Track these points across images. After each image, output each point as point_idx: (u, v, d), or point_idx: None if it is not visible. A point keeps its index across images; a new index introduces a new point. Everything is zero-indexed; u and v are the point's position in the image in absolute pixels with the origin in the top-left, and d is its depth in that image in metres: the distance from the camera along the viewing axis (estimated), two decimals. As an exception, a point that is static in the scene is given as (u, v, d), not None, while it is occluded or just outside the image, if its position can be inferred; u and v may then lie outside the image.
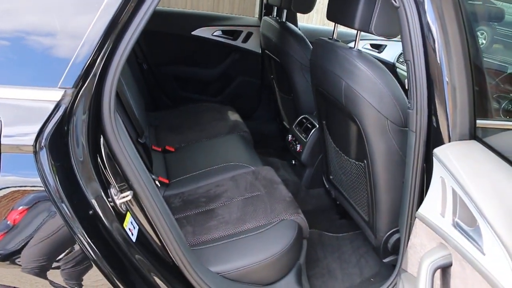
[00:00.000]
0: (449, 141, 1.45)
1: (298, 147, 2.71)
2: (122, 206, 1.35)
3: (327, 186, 2.60)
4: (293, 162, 2.88)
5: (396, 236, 2.01)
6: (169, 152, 2.71)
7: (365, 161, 1.94)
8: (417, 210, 1.65)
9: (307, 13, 2.70)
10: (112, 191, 1.31)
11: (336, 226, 2.63)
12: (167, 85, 3.51)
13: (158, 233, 1.46)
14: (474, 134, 1.43)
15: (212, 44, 3.40)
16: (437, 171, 1.39)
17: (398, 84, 1.81)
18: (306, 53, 2.67)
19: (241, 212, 2.04)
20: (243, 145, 2.69)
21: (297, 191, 2.76)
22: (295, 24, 3.21)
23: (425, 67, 1.51)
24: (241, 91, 3.57)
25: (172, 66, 3.46)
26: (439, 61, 1.43)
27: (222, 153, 2.61)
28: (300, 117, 2.82)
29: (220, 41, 3.39)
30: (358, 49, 1.87)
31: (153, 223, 1.44)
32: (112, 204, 1.30)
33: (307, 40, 2.72)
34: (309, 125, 2.71)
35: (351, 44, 1.96)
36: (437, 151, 1.41)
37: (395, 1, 1.51)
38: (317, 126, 2.64)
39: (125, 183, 1.37)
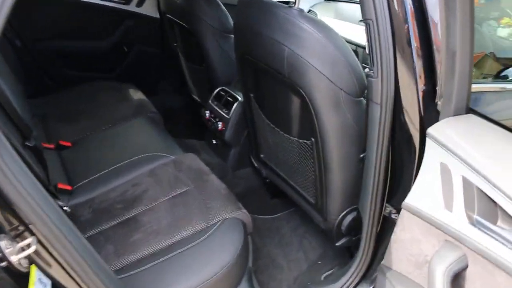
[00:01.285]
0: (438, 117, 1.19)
1: (220, 125, 2.35)
2: (22, 262, 0.92)
3: (256, 165, 2.30)
4: (214, 142, 2.52)
5: (350, 217, 1.79)
6: (65, 148, 2.23)
7: (313, 139, 1.66)
8: (382, 192, 1.47)
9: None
10: (2, 243, 0.88)
11: (269, 207, 2.39)
12: (50, 63, 2.93)
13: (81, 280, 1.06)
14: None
15: (100, 11, 2.87)
16: (435, 155, 1.13)
17: (350, 47, 1.52)
18: (221, 16, 2.30)
19: (171, 217, 1.69)
20: (155, 130, 2.29)
21: (224, 174, 2.43)
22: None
23: (391, 26, 1.25)
24: (140, 63, 3.10)
25: (53, 41, 2.88)
26: (433, 20, 1.15)
27: (132, 142, 2.19)
28: (217, 90, 2.46)
29: (109, 6, 2.86)
30: (300, 8, 1.55)
31: (71, 269, 1.03)
32: (5, 264, 0.87)
33: (219, 2, 2.34)
34: (229, 98, 2.36)
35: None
36: (433, 131, 1.14)
37: None
38: (239, 99, 2.30)
39: (20, 225, 0.94)
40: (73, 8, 2.82)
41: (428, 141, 1.14)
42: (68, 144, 2.25)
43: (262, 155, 2.20)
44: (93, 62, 3.05)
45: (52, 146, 2.22)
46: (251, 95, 2.00)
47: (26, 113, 2.11)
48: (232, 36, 2.36)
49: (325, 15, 2.96)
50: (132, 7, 2.90)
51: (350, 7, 3.10)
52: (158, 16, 2.94)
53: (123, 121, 2.38)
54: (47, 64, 2.93)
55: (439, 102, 1.25)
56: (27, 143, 1.69)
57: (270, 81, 1.78)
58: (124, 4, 2.89)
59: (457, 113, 1.17)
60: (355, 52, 2.56)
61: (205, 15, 2.29)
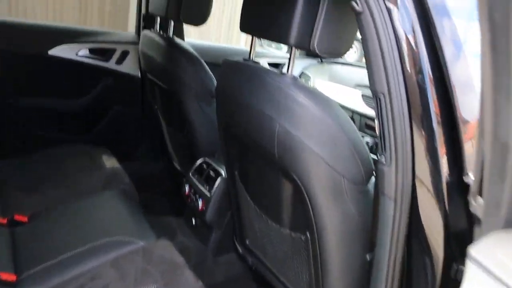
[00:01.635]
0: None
1: (200, 204, 2.05)
2: None
3: (240, 251, 1.98)
4: (193, 222, 2.20)
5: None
6: (20, 224, 1.90)
7: (308, 234, 1.37)
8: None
9: (200, 25, 2.08)
10: None
11: (254, 299, 2.04)
12: (15, 121, 2.65)
13: None
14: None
15: (77, 67, 2.61)
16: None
17: (354, 125, 1.26)
18: (204, 77, 2.05)
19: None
20: (126, 206, 1.98)
21: (202, 260, 2.10)
22: (183, 39, 2.57)
23: (407, 102, 1.02)
24: (117, 126, 2.82)
25: (22, 97, 2.61)
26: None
27: (98, 221, 1.88)
28: (199, 162, 2.17)
29: (87, 62, 2.62)
30: (294, 76, 1.28)
31: None
32: None
33: (202, 61, 2.09)
34: (211, 173, 2.06)
35: (283, 69, 1.38)
36: (477, 253, 0.82)
37: (357, 3, 0.98)
38: (223, 174, 2.00)
39: None
40: (46, 63, 2.56)
41: (469, 266, 0.82)
42: (24, 219, 1.93)
43: (247, 241, 1.89)
44: (65, 122, 2.77)
45: (4, 221, 1.90)
46: (235, 172, 1.71)
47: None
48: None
49: (319, 78, 2.73)
50: (111, 64, 2.65)
51: (345, 70, 2.89)
52: (139, 75, 2.68)
53: (91, 193, 2.07)
54: (13, 123, 2.64)
55: (473, 203, 0.97)
56: None
57: (258, 159, 1.50)
58: (103, 61, 2.64)
59: (509, 225, 0.87)
60: (352, 119, 2.31)
61: (186, 75, 2.04)
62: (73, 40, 2.59)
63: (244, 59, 1.45)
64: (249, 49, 1.48)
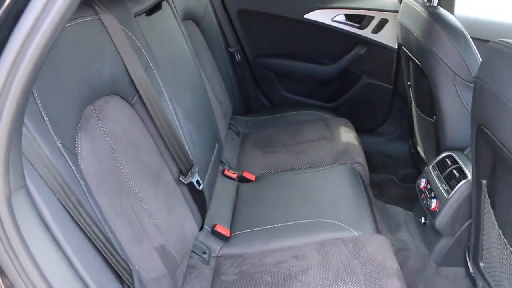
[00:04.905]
0: None
1: (434, 204, 1.76)
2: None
3: (471, 270, 1.66)
4: (422, 221, 1.92)
5: None
6: (248, 181, 1.94)
7: None
8: None
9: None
10: None
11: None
12: (267, 83, 2.72)
13: None
14: None
15: (331, 33, 2.51)
16: None
17: None
18: (468, 58, 1.71)
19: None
20: (352, 186, 1.83)
21: (423, 267, 1.83)
22: (451, 11, 2.21)
23: None
24: (365, 98, 2.65)
25: (275, 59, 2.65)
26: None
27: (317, 197, 1.78)
28: (443, 155, 1.86)
29: (342, 29, 2.49)
30: None
31: None
32: None
33: (469, 38, 1.74)
34: (455, 172, 1.74)
35: None
36: None
37: None
38: (469, 177, 1.67)
39: None
40: (301, 27, 2.53)
41: None
42: (252, 177, 1.97)
43: (482, 264, 1.55)
44: (312, 88, 2.73)
45: (234, 175, 1.96)
46: (484, 181, 1.38)
47: (216, 132, 1.95)
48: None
49: None
50: (367, 33, 2.46)
51: None
52: (395, 46, 2.44)
53: (318, 165, 1.99)
54: (265, 83, 2.72)
55: None
56: (181, 179, 1.43)
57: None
58: (358, 28, 2.47)
59: None
60: None
61: (444, 54, 1.73)
62: (329, 4, 2.48)
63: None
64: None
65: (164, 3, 1.73)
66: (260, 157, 2.12)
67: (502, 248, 1.32)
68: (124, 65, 1.25)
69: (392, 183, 2.56)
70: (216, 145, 1.88)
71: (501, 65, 1.10)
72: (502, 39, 1.18)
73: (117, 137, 1.19)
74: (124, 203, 1.16)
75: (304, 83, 2.74)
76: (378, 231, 1.62)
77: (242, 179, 1.97)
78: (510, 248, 1.26)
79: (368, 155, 2.18)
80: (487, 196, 1.39)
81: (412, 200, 2.20)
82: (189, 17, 2.09)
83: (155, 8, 1.65)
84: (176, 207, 1.40)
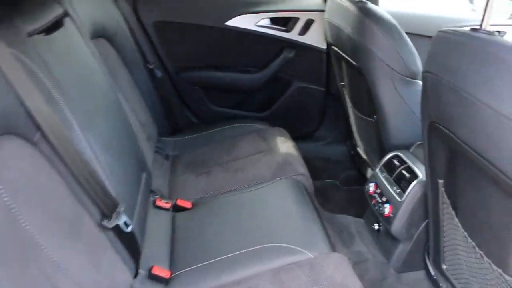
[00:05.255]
0: None
1: (387, 209, 1.65)
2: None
3: (432, 273, 1.55)
4: (376, 227, 1.81)
5: None
6: (183, 210, 1.74)
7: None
8: None
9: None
10: None
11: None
12: (193, 98, 2.53)
13: None
14: None
15: (256, 39, 2.37)
16: None
17: None
18: (403, 53, 1.62)
19: None
20: (298, 201, 1.69)
21: (383, 276, 1.71)
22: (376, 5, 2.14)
23: None
24: (298, 104, 2.53)
25: (199, 72, 2.47)
26: None
27: (263, 218, 1.62)
28: (389, 155, 1.76)
29: (267, 33, 2.36)
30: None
31: None
32: None
33: (402, 32, 1.66)
34: (405, 173, 1.64)
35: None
36: None
37: None
38: (420, 176, 1.57)
39: None
40: (223, 35, 2.37)
41: None
42: (188, 205, 1.77)
43: (444, 266, 1.45)
44: (243, 99, 2.58)
45: (168, 205, 1.75)
46: (439, 180, 1.28)
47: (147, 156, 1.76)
48: (419, 82, 1.67)
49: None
50: (293, 35, 2.34)
51: None
52: (325, 47, 2.33)
53: (261, 181, 1.83)
54: (190, 98, 2.53)
55: None
56: (104, 224, 1.20)
57: (480, 178, 1.05)
58: (284, 31, 2.35)
59: None
60: None
61: (379, 49, 1.63)
62: (252, 8, 2.34)
63: (473, 29, 0.99)
64: (481, 17, 1.01)
65: (66, 20, 1.50)
66: (194, 180, 1.92)
67: (470, 251, 1.21)
68: (18, 96, 1.01)
69: (335, 188, 2.48)
70: (144, 174, 1.67)
71: (457, 56, 0.99)
72: (449, 28, 1.08)
73: (15, 188, 0.94)
74: (32, 272, 0.92)
75: (233, 94, 2.58)
76: (333, 248, 1.48)
77: (177, 208, 1.76)
78: (480, 252, 1.15)
79: (307, 161, 2.07)
80: (445, 197, 1.29)
81: (359, 204, 2.11)
82: (100, 34, 1.86)
83: (56, 25, 1.41)
84: (102, 258, 1.18)
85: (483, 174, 1.01)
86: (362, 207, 2.05)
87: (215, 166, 1.99)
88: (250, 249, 1.45)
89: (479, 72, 0.90)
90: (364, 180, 2.30)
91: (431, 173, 1.33)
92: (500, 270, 1.09)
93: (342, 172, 2.56)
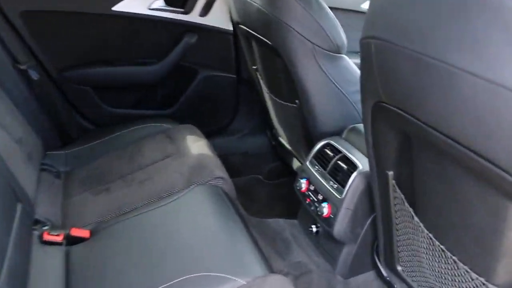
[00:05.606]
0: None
1: (325, 209, 1.39)
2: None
3: (384, 274, 1.34)
4: (314, 229, 1.56)
5: None
6: (80, 241, 1.39)
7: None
8: None
9: None
10: None
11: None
12: (84, 100, 2.14)
13: None
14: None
15: (150, 24, 2.03)
16: None
17: None
18: (326, 25, 1.38)
19: None
20: (219, 215, 1.39)
21: (329, 286, 1.46)
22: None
23: None
24: (207, 95, 2.23)
25: (87, 69, 2.07)
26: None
27: (179, 243, 1.30)
28: (320, 144, 1.52)
29: (163, 17, 2.02)
30: None
31: None
32: None
33: (322, 3, 1.41)
34: (341, 164, 1.40)
35: None
36: None
37: None
38: (360, 166, 1.34)
39: None
40: (111, 24, 2.00)
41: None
42: (85, 234, 1.41)
43: (400, 268, 1.23)
44: (143, 95, 2.23)
45: (60, 237, 1.39)
46: (390, 173, 1.04)
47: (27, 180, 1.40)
48: (344, 57, 1.44)
49: None
50: (194, 17, 2.03)
51: None
52: (230, 28, 2.04)
53: (171, 194, 1.51)
54: (81, 101, 2.14)
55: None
56: None
57: (447, 168, 0.81)
58: (182, 13, 2.02)
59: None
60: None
61: (298, 23, 1.37)
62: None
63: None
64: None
65: None
66: (91, 201, 1.57)
67: (437, 256, 0.99)
68: None
69: (259, 184, 2.23)
70: (19, 205, 1.29)
71: (416, 9, 0.73)
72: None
73: None
74: None
75: (131, 91, 2.21)
76: (269, 268, 1.20)
77: (71, 240, 1.39)
78: (453, 257, 0.93)
79: (224, 159, 1.79)
80: (398, 191, 1.05)
81: (288, 200, 1.86)
82: None
83: None
84: None
85: (459, 167, 0.77)
86: (293, 203, 1.80)
87: (117, 180, 1.65)
88: (167, 284, 1.14)
89: (454, 29, 0.64)
90: (290, 172, 2.06)
91: (377, 164, 1.09)
92: (482, 279, 0.87)
93: (264, 165, 2.31)
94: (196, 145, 1.77)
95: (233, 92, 2.24)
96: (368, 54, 0.86)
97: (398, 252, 1.21)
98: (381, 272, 1.37)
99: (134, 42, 2.07)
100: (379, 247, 1.32)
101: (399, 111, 0.84)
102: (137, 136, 1.90)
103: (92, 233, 1.41)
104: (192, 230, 1.33)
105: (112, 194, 1.58)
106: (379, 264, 1.37)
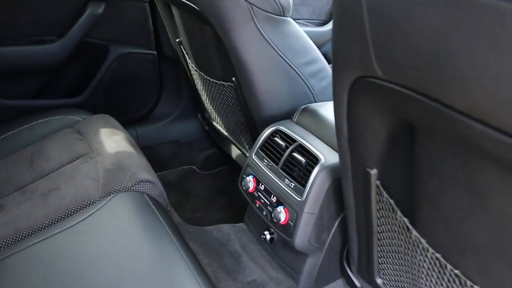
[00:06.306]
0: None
1: (282, 215, 1.11)
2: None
3: (358, 284, 1.10)
4: (268, 237, 1.28)
5: None
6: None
7: None
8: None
9: None
10: None
11: None
12: None
13: None
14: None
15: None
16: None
17: None
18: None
19: None
20: (146, 232, 1.09)
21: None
22: None
23: None
24: (122, 76, 1.87)
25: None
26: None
27: (98, 278, 0.98)
28: (267, 132, 1.23)
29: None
30: None
31: None
32: None
33: None
34: (297, 156, 1.12)
35: None
36: None
37: None
38: (321, 159, 1.06)
39: None
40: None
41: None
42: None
43: (379, 281, 0.99)
44: (44, 81, 1.84)
45: None
46: (371, 172, 0.77)
47: None
48: (289, 20, 1.16)
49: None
50: (99, -19, 1.66)
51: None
52: (145, -6, 1.70)
53: (83, 206, 1.19)
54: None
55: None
56: None
57: (465, 165, 0.54)
58: (83, -24, 1.65)
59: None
60: None
61: None
62: None
63: None
64: None
65: None
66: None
67: (447, 280, 0.74)
68: None
69: (193, 176, 1.95)
70: None
71: None
72: None
73: None
74: None
75: (29, 77, 1.81)
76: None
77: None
78: (474, 286, 0.68)
79: (150, 152, 1.47)
80: (385, 195, 0.79)
81: (229, 195, 1.58)
82: None
83: None
84: None
85: (495, 170, 0.51)
86: (235, 197, 1.52)
87: (13, 193, 1.30)
88: None
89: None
90: (228, 160, 1.78)
91: (353, 159, 0.82)
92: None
93: (198, 154, 2.01)
94: (113, 140, 1.44)
95: (154, 71, 1.90)
96: (355, 4, 0.57)
97: (380, 264, 0.96)
98: (352, 281, 1.13)
99: (27, 16, 1.67)
100: (351, 254, 1.07)
101: (402, 89, 0.56)
102: (39, 134, 1.54)
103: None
104: (113, 257, 1.01)
105: (9, 212, 1.22)
106: (350, 273, 1.12)
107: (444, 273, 0.72)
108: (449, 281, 0.72)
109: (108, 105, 1.81)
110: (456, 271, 0.69)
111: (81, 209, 1.19)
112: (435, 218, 0.69)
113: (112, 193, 1.21)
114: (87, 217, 1.15)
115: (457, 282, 0.70)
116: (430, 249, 0.72)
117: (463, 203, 0.61)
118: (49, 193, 1.25)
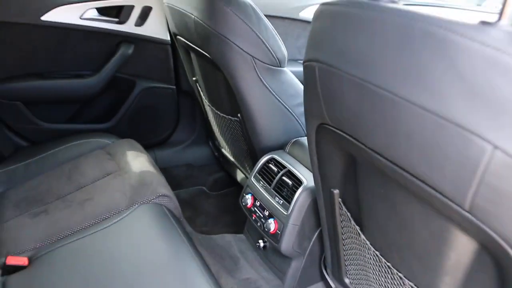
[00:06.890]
0: None
1: (272, 225, 1.39)
2: None
3: (332, 285, 1.35)
4: (261, 244, 1.56)
5: None
6: (16, 270, 1.30)
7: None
8: None
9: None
10: None
11: None
12: (15, 116, 2.03)
13: None
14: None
15: (83, 35, 1.96)
16: None
17: None
18: (265, 37, 1.36)
19: None
20: (164, 238, 1.35)
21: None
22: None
23: None
24: (146, 107, 2.17)
25: (16, 83, 1.97)
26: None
27: (124, 269, 1.25)
28: (263, 159, 1.51)
29: (97, 27, 1.96)
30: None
31: None
32: None
33: (261, 14, 1.40)
34: (286, 179, 1.40)
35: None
36: None
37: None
38: (304, 182, 1.34)
39: None
40: (41, 34, 1.90)
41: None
42: (22, 261, 1.33)
43: (347, 280, 1.25)
44: (79, 109, 2.14)
45: None
46: (335, 191, 1.05)
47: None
48: (285, 70, 1.44)
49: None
50: (130, 27, 1.97)
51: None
52: (168, 38, 2.00)
53: (114, 214, 1.46)
54: (12, 117, 2.03)
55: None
56: None
57: (391, 191, 0.82)
58: (117, 23, 1.96)
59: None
60: None
61: (237, 36, 1.36)
62: (72, -2, 1.92)
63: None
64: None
65: None
66: (29, 225, 1.48)
67: (384, 271, 1.00)
68: None
69: (203, 195, 2.20)
70: None
71: (360, 36, 0.73)
72: (329, 2, 0.82)
73: None
74: None
75: (66, 105, 2.12)
76: (218, 287, 1.18)
77: (8, 269, 1.31)
78: (399, 273, 0.94)
79: (167, 172, 1.73)
80: (344, 208, 1.06)
81: (233, 212, 1.84)
82: None
83: None
84: None
85: (402, 191, 0.78)
86: (239, 215, 1.79)
87: (55, 201, 1.58)
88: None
89: (399, 60, 0.65)
90: (234, 182, 2.04)
91: (323, 182, 1.10)
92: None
93: (208, 176, 2.28)
94: (138, 161, 1.72)
95: (173, 103, 2.20)
96: (312, 77, 0.85)
97: (346, 265, 1.22)
98: (329, 284, 1.38)
99: (66, 54, 1.98)
100: (327, 259, 1.33)
101: (344, 134, 0.84)
102: (75, 153, 1.82)
103: (30, 260, 1.34)
104: (137, 254, 1.28)
105: (51, 216, 1.50)
106: (327, 276, 1.38)
107: (382, 266, 0.99)
108: (385, 272, 0.98)
109: (132, 130, 2.10)
110: (388, 263, 0.96)
111: (111, 216, 1.46)
112: (373, 225, 0.96)
113: (136, 204, 1.49)
114: (115, 222, 1.42)
115: (389, 273, 0.96)
116: (372, 248, 0.99)
117: (386, 213, 0.88)
118: (85, 202, 1.54)
